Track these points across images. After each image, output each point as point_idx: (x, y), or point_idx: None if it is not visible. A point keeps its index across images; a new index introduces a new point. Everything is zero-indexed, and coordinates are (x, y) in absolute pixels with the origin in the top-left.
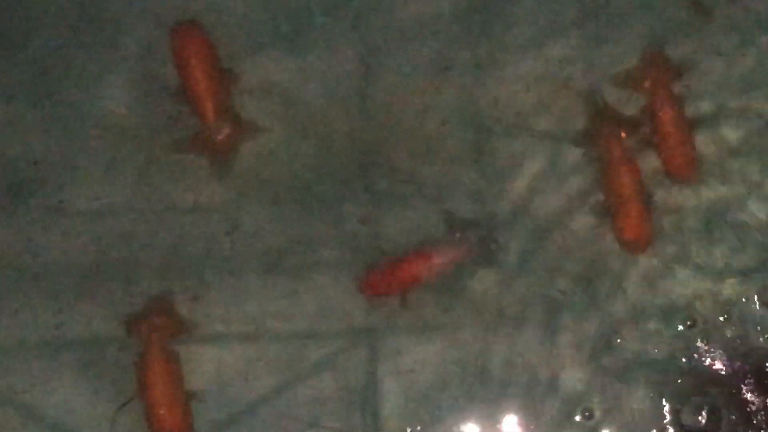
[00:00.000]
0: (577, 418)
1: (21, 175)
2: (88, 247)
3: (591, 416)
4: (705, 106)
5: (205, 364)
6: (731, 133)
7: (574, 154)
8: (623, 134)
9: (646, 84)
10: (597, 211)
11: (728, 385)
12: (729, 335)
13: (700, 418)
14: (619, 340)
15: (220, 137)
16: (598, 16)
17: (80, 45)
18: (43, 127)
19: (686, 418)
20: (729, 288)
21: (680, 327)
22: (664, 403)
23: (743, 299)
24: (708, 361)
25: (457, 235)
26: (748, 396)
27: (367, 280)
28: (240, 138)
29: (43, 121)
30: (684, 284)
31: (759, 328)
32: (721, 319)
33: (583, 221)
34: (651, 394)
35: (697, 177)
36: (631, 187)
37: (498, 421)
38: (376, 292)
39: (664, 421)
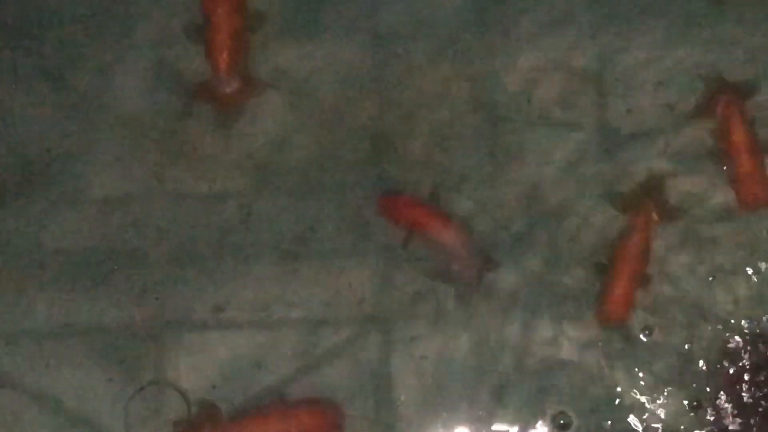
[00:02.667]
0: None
1: (35, 163)
2: (102, 234)
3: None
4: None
5: (218, 351)
6: None
7: (585, 142)
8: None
9: (718, 111)
10: (609, 198)
11: None
12: None
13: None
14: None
15: (228, 90)
16: (610, 4)
17: (94, 34)
18: (57, 115)
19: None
20: None
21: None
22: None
23: None
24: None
25: (470, 251)
26: None
27: (383, 201)
28: (247, 96)
29: (58, 110)
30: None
31: None
32: None
33: (595, 209)
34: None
35: None
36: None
37: (511, 408)
38: (385, 215)
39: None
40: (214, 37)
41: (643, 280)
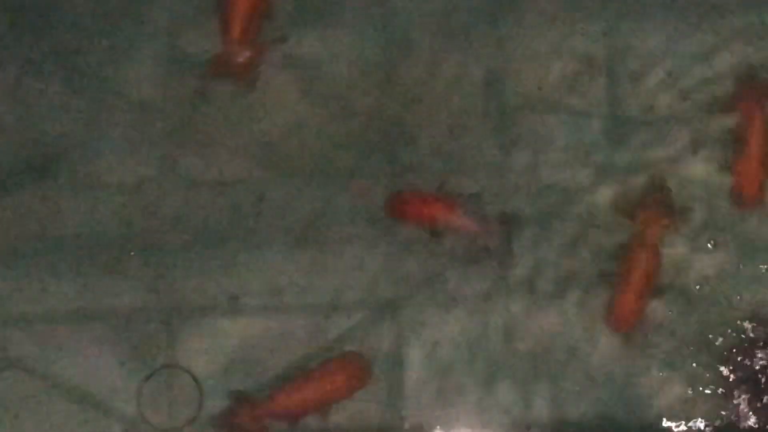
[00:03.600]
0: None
1: (49, 148)
2: (115, 220)
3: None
4: None
5: (230, 337)
6: None
7: (597, 130)
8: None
9: (742, 106)
10: (619, 184)
11: None
12: None
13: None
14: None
15: (239, 60)
16: None
17: (107, 20)
18: (71, 100)
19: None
20: None
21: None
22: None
23: None
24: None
25: (484, 219)
26: None
27: (390, 203)
28: (260, 65)
29: (71, 95)
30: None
31: None
32: None
33: (605, 194)
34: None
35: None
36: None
37: (522, 393)
38: (395, 216)
39: None
40: (230, 5)
41: (653, 291)
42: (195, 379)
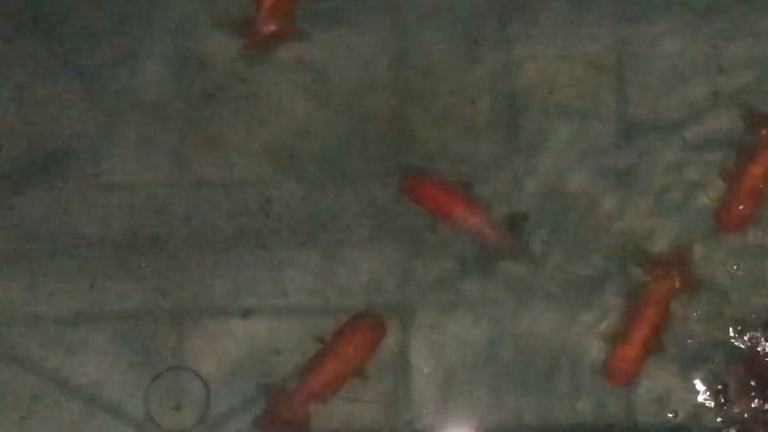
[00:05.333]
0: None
1: (58, 149)
2: (123, 220)
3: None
4: None
5: (237, 338)
6: None
7: (604, 132)
8: None
9: (764, 132)
10: (627, 186)
11: None
12: None
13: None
14: None
15: (264, 30)
16: None
17: (116, 21)
18: (79, 101)
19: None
20: None
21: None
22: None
23: None
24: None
25: (497, 224)
26: None
27: (408, 181)
28: (282, 39)
29: (80, 96)
30: None
31: None
32: None
33: (613, 197)
34: None
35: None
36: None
37: (527, 396)
38: (408, 196)
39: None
40: None
41: (655, 346)
42: (202, 380)
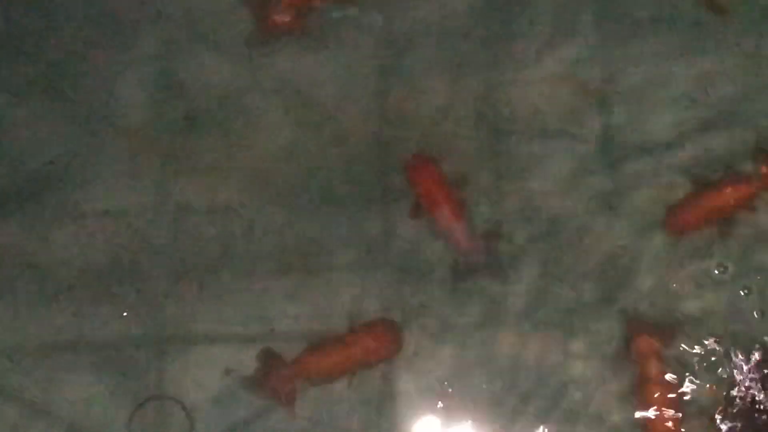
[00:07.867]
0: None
1: (37, 175)
2: (104, 247)
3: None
4: None
5: (220, 365)
6: None
7: (590, 155)
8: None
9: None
10: (611, 209)
11: None
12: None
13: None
14: None
15: (279, 20)
16: (617, 17)
17: (97, 45)
18: (59, 126)
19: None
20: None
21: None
22: None
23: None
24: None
25: (473, 237)
26: None
27: (414, 159)
28: (292, 32)
29: (60, 121)
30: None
31: None
32: None
33: (599, 220)
34: None
35: None
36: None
37: (515, 421)
38: (408, 174)
39: None
40: None
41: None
42: (185, 408)
